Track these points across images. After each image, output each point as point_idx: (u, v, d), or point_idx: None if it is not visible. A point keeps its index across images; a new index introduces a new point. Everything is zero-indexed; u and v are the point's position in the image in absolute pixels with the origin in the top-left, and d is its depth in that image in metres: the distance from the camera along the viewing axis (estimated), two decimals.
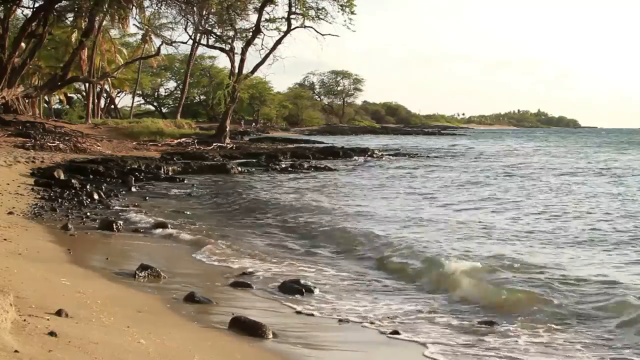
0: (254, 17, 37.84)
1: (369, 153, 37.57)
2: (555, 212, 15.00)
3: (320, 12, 35.83)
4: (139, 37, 55.44)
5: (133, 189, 18.81)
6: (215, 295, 7.68)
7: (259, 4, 37.14)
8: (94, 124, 42.94)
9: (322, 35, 36.25)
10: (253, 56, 75.84)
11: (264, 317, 6.70)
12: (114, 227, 11.68)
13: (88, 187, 17.58)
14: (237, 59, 38.90)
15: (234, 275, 8.81)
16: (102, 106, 59.82)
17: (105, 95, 60.77)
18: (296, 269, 9.50)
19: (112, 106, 65.66)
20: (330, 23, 35.88)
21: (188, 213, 14.68)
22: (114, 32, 52.40)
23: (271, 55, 37.16)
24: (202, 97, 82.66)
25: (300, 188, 20.82)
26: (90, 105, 50.22)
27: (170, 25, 46.79)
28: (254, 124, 79.31)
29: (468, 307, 7.59)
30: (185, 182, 21.55)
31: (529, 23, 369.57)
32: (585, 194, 18.96)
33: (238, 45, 39.51)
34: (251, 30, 37.83)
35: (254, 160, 31.12)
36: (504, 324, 6.85)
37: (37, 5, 33.93)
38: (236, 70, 38.90)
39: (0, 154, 23.06)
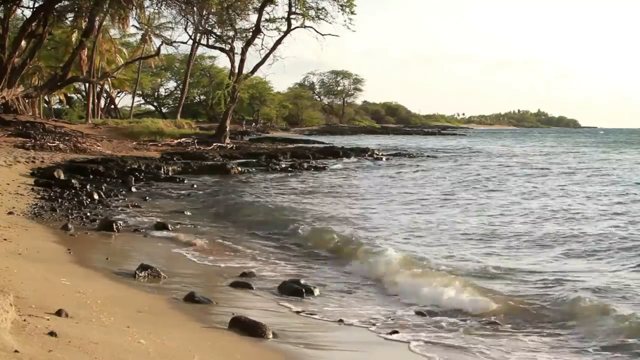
0: (254, 17, 37.86)
1: (369, 153, 37.56)
2: (509, 212, 15.22)
3: (320, 12, 35.82)
4: (139, 37, 55.44)
5: (133, 189, 18.80)
6: (215, 295, 7.68)
7: (259, 4, 37.12)
8: (94, 124, 42.92)
9: (322, 35, 36.26)
10: (253, 56, 75.75)
11: (264, 317, 6.70)
12: (114, 227, 11.68)
13: (88, 187, 17.58)
14: (237, 59, 38.90)
15: (234, 275, 8.81)
16: (102, 106, 59.81)
17: (105, 95, 60.76)
18: (296, 270, 9.51)
19: (112, 106, 65.65)
20: (330, 23, 35.89)
21: (188, 213, 14.68)
22: (114, 32, 52.41)
23: (271, 55, 37.17)
24: (202, 97, 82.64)
25: (300, 189, 20.84)
26: (90, 105, 50.20)
27: (170, 25, 46.88)
28: (254, 124, 79.34)
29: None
30: (185, 182, 21.54)
31: (529, 23, 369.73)
32: (542, 193, 19.14)
33: (238, 45, 39.54)
34: (251, 30, 37.82)
35: (254, 160, 31.10)
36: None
37: (37, 5, 33.95)
38: (236, 70, 38.87)
39: (0, 154, 23.06)
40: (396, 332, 6.62)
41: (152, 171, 23.67)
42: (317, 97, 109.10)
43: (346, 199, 18.47)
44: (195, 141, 36.94)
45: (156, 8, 37.99)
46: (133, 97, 66.34)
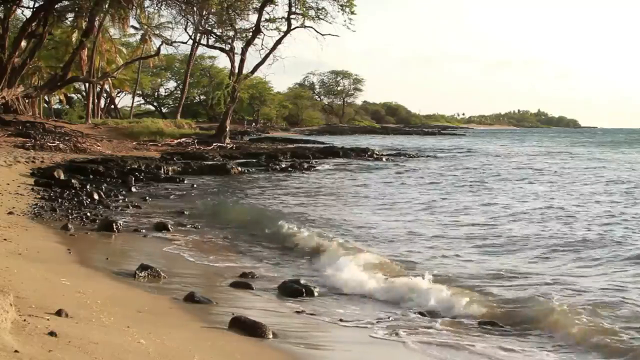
0: (254, 17, 37.88)
1: (369, 153, 37.54)
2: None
3: (320, 12, 35.84)
4: (139, 37, 55.45)
5: (133, 189, 18.81)
6: (215, 295, 7.68)
7: (259, 4, 37.13)
8: (94, 124, 42.92)
9: (322, 35, 36.28)
10: (253, 56, 75.63)
11: (264, 317, 6.70)
12: (114, 227, 11.68)
13: (88, 187, 17.58)
14: (237, 59, 38.92)
15: (234, 275, 8.81)
16: (102, 106, 59.81)
17: (105, 95, 60.76)
18: (295, 270, 9.51)
19: (112, 106, 65.65)
20: (330, 23, 35.91)
21: (187, 213, 14.68)
22: (113, 32, 52.40)
23: (271, 55, 37.19)
24: (202, 97, 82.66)
25: (299, 190, 20.85)
26: (90, 105, 50.20)
27: (170, 25, 46.82)
28: (254, 124, 79.35)
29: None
30: (185, 182, 21.54)
31: (529, 23, 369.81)
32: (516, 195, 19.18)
33: (238, 45, 39.56)
34: (251, 30, 37.82)
35: (254, 160, 31.10)
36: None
37: (37, 5, 33.95)
38: (236, 70, 38.88)
39: (0, 154, 23.06)
40: (396, 332, 6.62)
41: (152, 171, 23.67)
42: (317, 97, 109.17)
43: (343, 201, 18.48)
44: (195, 141, 36.94)
45: (156, 8, 38.02)
46: (133, 97, 66.43)
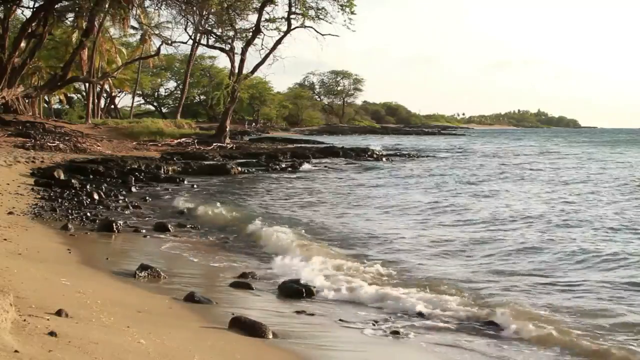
0: (254, 17, 37.89)
1: (369, 153, 37.52)
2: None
3: (320, 12, 35.84)
4: (139, 37, 55.44)
5: (133, 189, 18.80)
6: (215, 295, 7.68)
7: (259, 4, 37.14)
8: (94, 124, 42.92)
9: (322, 35, 36.29)
10: (253, 56, 75.95)
11: (264, 317, 6.70)
12: (114, 227, 11.68)
13: (88, 187, 17.57)
14: (237, 59, 38.93)
15: (234, 275, 8.81)
16: (102, 106, 59.83)
17: (105, 95, 60.77)
18: (295, 270, 9.49)
19: (112, 106, 65.67)
20: (330, 23, 35.92)
21: (187, 213, 14.66)
22: (114, 32, 52.43)
23: (271, 55, 37.20)
24: (202, 97, 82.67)
25: (299, 191, 20.84)
26: (90, 105, 50.21)
27: (169, 25, 46.78)
28: (254, 124, 79.36)
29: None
30: (185, 182, 21.54)
31: (529, 23, 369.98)
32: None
33: (238, 45, 39.58)
34: (251, 30, 37.83)
35: (254, 160, 31.10)
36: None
37: (37, 5, 33.95)
38: (236, 70, 38.88)
39: (0, 154, 23.06)
40: (396, 332, 6.62)
41: (152, 171, 23.66)
42: (317, 97, 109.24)
43: (340, 203, 18.47)
44: (195, 141, 36.94)
45: (156, 8, 38.01)
46: (133, 97, 66.45)
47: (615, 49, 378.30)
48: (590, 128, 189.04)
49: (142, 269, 8.36)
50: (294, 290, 8.04)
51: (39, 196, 15.41)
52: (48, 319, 4.99)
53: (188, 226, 12.89)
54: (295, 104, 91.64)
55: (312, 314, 7.23)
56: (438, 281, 8.56)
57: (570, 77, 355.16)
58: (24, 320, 4.72)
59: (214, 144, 36.55)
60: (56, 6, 34.23)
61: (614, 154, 42.96)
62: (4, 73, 32.39)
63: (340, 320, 7.03)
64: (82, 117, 52.56)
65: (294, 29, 36.60)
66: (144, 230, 12.08)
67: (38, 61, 42.46)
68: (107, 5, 33.25)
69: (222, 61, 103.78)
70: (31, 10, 34.30)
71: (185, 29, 43.07)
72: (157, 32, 46.68)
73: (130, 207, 14.95)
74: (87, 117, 47.76)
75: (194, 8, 37.77)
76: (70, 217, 12.81)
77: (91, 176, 20.96)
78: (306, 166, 29.67)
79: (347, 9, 35.16)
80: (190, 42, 49.28)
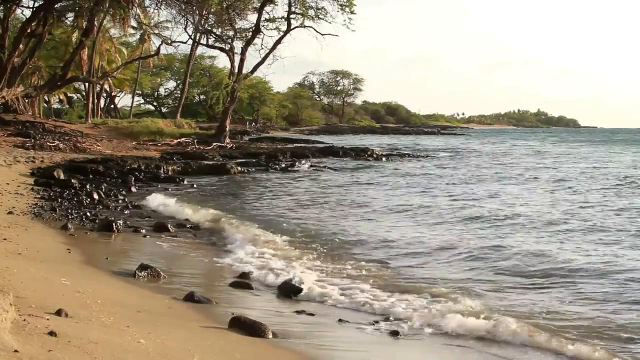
0: (254, 17, 37.86)
1: (369, 153, 37.49)
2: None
3: (320, 12, 35.83)
4: (139, 37, 55.42)
5: (133, 189, 18.80)
6: (215, 295, 7.68)
7: (259, 4, 37.13)
8: (94, 124, 42.91)
9: (322, 35, 36.27)
10: (253, 56, 75.92)
11: (264, 317, 6.70)
12: (114, 227, 11.67)
13: (88, 187, 17.57)
14: (237, 59, 38.89)
15: (234, 275, 8.81)
16: (102, 106, 59.84)
17: (105, 95, 60.77)
18: (295, 270, 9.49)
19: (112, 106, 65.68)
20: (330, 23, 35.90)
21: (187, 213, 14.65)
22: (114, 32, 52.40)
23: (271, 55, 37.18)
24: (202, 97, 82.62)
25: (299, 192, 20.85)
26: (90, 105, 50.21)
27: (169, 25, 46.76)
28: (254, 124, 79.35)
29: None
30: (185, 182, 21.53)
31: (529, 23, 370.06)
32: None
33: (238, 45, 39.54)
34: (251, 30, 37.81)
35: (254, 160, 31.10)
36: None
37: (37, 5, 33.93)
38: (236, 70, 38.86)
39: (0, 154, 23.06)
40: (396, 332, 6.62)
41: (152, 171, 23.66)
42: (317, 97, 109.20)
43: (336, 207, 18.48)
44: (195, 141, 36.94)
45: (156, 8, 37.99)
46: (133, 97, 66.43)
47: (616, 49, 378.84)
48: (590, 128, 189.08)
49: (142, 269, 8.36)
50: (294, 290, 8.02)
51: (39, 196, 15.41)
52: (48, 319, 4.99)
53: (188, 226, 12.89)
54: (295, 104, 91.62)
55: (313, 314, 7.22)
56: (436, 282, 8.57)
57: (570, 77, 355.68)
58: (24, 320, 4.71)
59: (214, 144, 36.55)
60: (56, 6, 34.22)
61: (612, 154, 42.98)
62: (4, 73, 32.38)
63: (340, 320, 7.03)
64: (82, 117, 52.56)
65: (294, 29, 36.63)
66: (144, 231, 12.07)
67: (38, 61, 42.46)
68: (107, 5, 33.22)
69: (222, 61, 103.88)
70: (31, 10, 34.32)
71: (185, 29, 43.06)
72: (157, 32, 46.71)
73: (130, 207, 14.95)
74: (87, 117, 47.76)
75: (194, 8, 37.76)
76: (70, 217, 12.80)
77: (91, 176, 20.96)
78: (306, 166, 29.66)
79: (347, 9, 35.17)
80: (190, 42, 49.27)
